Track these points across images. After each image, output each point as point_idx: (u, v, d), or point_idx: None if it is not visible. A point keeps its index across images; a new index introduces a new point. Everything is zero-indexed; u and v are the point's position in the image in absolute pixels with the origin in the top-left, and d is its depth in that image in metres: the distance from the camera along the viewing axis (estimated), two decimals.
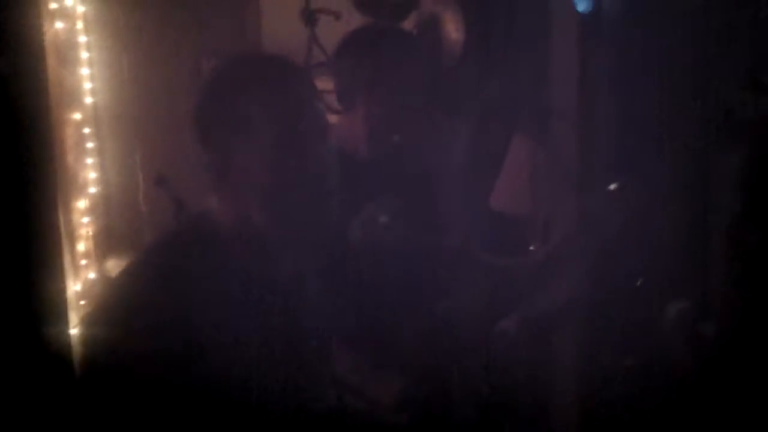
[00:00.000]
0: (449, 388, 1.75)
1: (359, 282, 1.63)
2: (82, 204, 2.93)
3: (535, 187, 2.18)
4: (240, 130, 1.38)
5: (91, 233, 2.94)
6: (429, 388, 1.64)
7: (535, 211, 2.20)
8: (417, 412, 1.61)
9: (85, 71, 2.91)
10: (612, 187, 2.08)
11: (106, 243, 2.98)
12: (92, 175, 2.95)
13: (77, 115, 2.91)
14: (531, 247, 2.15)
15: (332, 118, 1.80)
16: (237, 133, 1.38)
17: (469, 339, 1.79)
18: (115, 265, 2.95)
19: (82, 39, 2.90)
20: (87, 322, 1.34)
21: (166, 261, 1.37)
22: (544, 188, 2.18)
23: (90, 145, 2.95)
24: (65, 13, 2.80)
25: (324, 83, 1.95)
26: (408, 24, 2.61)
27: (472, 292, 1.91)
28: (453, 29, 2.47)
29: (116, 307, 1.37)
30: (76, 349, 2.62)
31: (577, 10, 2.12)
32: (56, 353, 1.04)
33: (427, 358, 1.75)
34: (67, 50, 2.84)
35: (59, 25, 2.77)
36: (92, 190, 2.95)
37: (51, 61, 2.67)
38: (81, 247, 2.92)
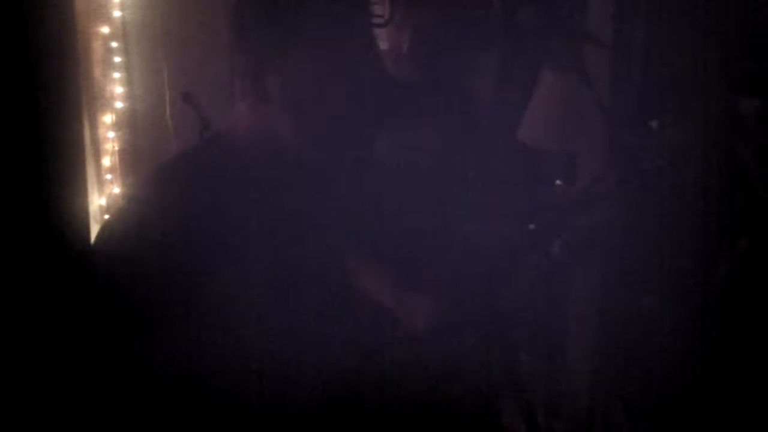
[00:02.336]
0: (479, 312, 1.73)
1: (384, 203, 1.61)
2: (108, 118, 2.93)
3: (565, 120, 2.15)
4: (282, 33, 1.33)
5: (116, 148, 2.95)
6: (460, 313, 1.62)
7: (563, 145, 2.18)
8: (450, 338, 1.60)
9: None
10: (653, 124, 2.05)
11: (131, 158, 2.99)
12: (119, 89, 2.95)
13: (105, 29, 2.89)
14: (557, 182, 2.13)
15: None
16: (277, 36, 1.34)
17: (498, 264, 1.77)
18: (138, 181, 2.96)
19: None
20: (102, 233, 1.33)
21: (184, 176, 1.35)
22: (574, 121, 2.15)
23: (117, 59, 2.94)
24: None
25: None
26: None
27: (498, 216, 1.89)
28: None
29: (132, 219, 1.36)
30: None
31: None
32: (78, 267, 1.04)
33: (457, 281, 1.73)
34: None
35: None
36: (119, 104, 2.95)
37: None
38: (106, 161, 2.94)
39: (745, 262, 1.85)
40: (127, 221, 1.36)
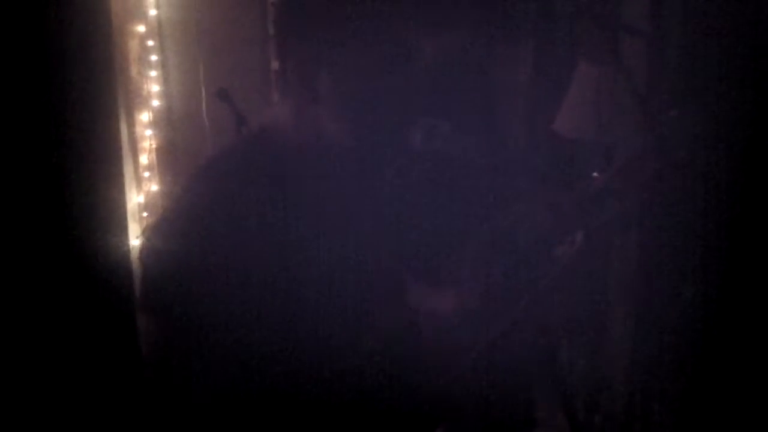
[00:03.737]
0: (507, 304, 1.72)
1: (418, 195, 1.60)
2: (145, 117, 2.95)
3: (601, 110, 2.13)
4: (331, 33, 1.33)
5: (153, 146, 2.97)
6: (487, 305, 1.61)
7: (599, 136, 2.15)
8: (474, 329, 1.59)
9: None
10: (673, 113, 2.02)
11: (168, 156, 3.01)
12: (155, 88, 2.97)
13: (141, 27, 2.91)
14: (594, 174, 2.11)
15: None
16: (327, 38, 1.34)
17: (531, 255, 1.75)
18: (177, 178, 2.98)
19: None
20: (148, 234, 1.34)
21: (231, 172, 1.36)
22: (610, 112, 2.13)
23: (153, 57, 2.96)
24: None
25: None
26: None
27: (534, 207, 1.88)
28: None
29: (177, 219, 1.37)
30: (136, 260, 2.67)
31: None
32: (116, 264, 1.05)
33: (487, 272, 1.72)
34: None
35: None
36: (155, 103, 2.97)
37: None
38: (144, 159, 2.96)
39: None
40: (177, 218, 1.37)
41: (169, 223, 1.39)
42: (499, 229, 1.69)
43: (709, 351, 1.92)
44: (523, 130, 2.10)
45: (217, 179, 1.36)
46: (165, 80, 3.00)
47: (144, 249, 1.26)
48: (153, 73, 2.97)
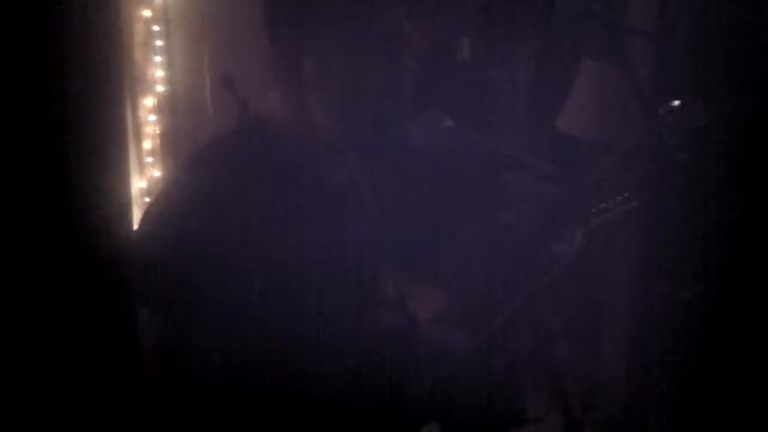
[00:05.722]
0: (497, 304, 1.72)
1: (418, 190, 1.60)
2: (149, 102, 2.95)
3: (605, 109, 2.13)
4: (315, 20, 1.33)
5: (157, 131, 2.98)
6: (475, 306, 1.61)
7: (603, 134, 2.16)
8: (458, 332, 1.58)
9: None
10: (675, 103, 2.02)
11: (172, 141, 3.01)
12: (160, 73, 2.97)
13: (147, 12, 2.91)
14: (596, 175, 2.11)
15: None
16: (311, 24, 1.33)
17: (525, 254, 1.75)
18: (176, 164, 2.99)
19: None
20: (144, 218, 1.34)
21: (224, 160, 1.36)
22: (615, 111, 2.14)
23: (159, 43, 2.96)
24: None
25: None
26: None
27: (532, 204, 1.88)
28: None
29: (173, 203, 1.37)
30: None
31: None
32: (119, 248, 1.06)
33: (479, 272, 1.72)
34: None
35: None
36: (160, 88, 2.97)
37: None
38: (147, 144, 2.96)
39: None
40: (170, 205, 1.37)
41: (163, 209, 1.38)
42: (498, 226, 1.69)
43: (707, 351, 1.92)
44: (525, 127, 2.10)
45: (212, 167, 1.36)
46: (170, 66, 3.00)
47: (138, 235, 1.25)
48: (158, 59, 2.97)
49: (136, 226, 1.30)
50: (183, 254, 1.27)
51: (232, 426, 1.30)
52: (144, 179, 2.94)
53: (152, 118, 2.96)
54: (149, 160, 2.96)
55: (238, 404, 1.29)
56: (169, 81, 3.01)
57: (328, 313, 1.32)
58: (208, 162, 1.36)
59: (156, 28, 2.95)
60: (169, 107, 3.00)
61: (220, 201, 1.29)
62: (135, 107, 2.91)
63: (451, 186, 1.73)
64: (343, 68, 1.35)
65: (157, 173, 2.97)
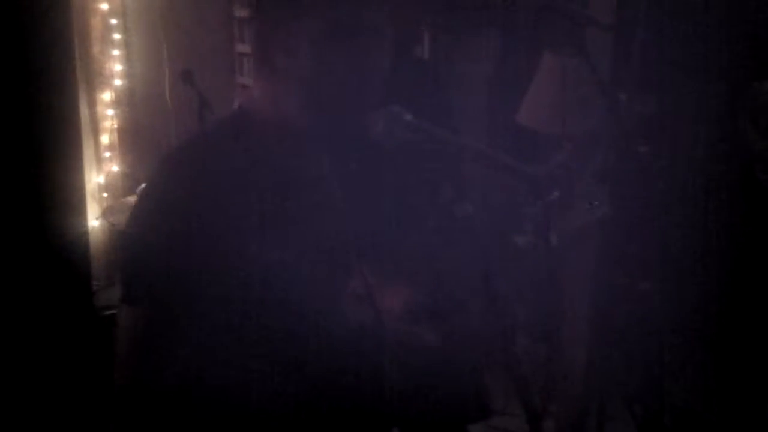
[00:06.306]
0: (465, 296, 1.73)
1: (383, 183, 1.60)
2: (107, 96, 2.92)
3: (565, 102, 2.14)
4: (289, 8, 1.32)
5: (115, 126, 2.94)
6: (441, 298, 1.61)
7: (563, 127, 2.17)
8: (432, 325, 1.59)
9: None
10: (622, 96, 2.04)
11: (130, 136, 2.98)
12: (118, 67, 2.93)
13: (104, 6, 2.88)
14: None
15: None
16: (286, 12, 1.32)
17: (487, 244, 1.76)
18: (138, 159, 2.96)
19: None
20: (126, 228, 1.32)
21: (200, 160, 1.34)
22: (575, 104, 2.14)
23: (116, 36, 2.93)
24: None
25: None
26: None
27: (493, 196, 1.88)
28: None
29: (153, 212, 1.35)
30: (97, 240, 2.64)
31: None
32: (74, 244, 1.04)
33: (442, 264, 1.72)
34: None
35: None
36: (118, 82, 2.94)
37: None
38: (105, 139, 2.93)
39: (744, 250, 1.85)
40: (146, 211, 1.35)
41: (144, 217, 1.36)
42: (456, 218, 1.69)
43: (664, 345, 1.95)
44: (486, 119, 2.11)
45: (190, 167, 1.34)
46: (128, 60, 2.97)
47: (123, 239, 1.24)
48: (116, 52, 2.94)
49: (96, 222, 1.28)
50: (170, 257, 1.26)
51: (204, 424, 1.30)
52: (102, 174, 2.90)
53: (110, 112, 2.93)
54: (107, 155, 2.93)
55: (211, 401, 1.28)
56: (128, 75, 2.98)
57: (297, 309, 1.31)
58: (187, 160, 1.35)
59: (114, 21, 2.91)
60: (127, 101, 2.97)
61: (199, 202, 1.27)
62: (92, 102, 2.87)
63: (411, 179, 1.73)
64: (311, 58, 1.34)
65: (115, 168, 2.94)
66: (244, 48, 3.14)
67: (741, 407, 1.84)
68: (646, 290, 2.03)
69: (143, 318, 1.28)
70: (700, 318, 1.87)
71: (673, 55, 1.95)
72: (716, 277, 1.87)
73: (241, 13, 3.06)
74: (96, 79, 2.88)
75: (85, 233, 1.10)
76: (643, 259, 2.04)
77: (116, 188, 2.93)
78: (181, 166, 1.35)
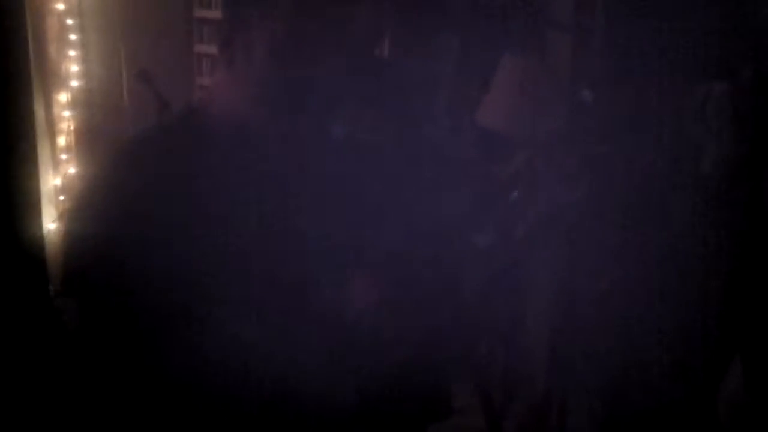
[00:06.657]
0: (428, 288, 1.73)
1: (342, 184, 1.59)
2: (63, 97, 2.88)
3: (524, 103, 2.15)
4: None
5: (72, 127, 2.91)
6: (404, 292, 1.61)
7: (521, 128, 2.18)
8: (397, 319, 1.58)
9: None
10: (586, 94, 2.06)
11: (87, 137, 2.95)
12: (74, 68, 2.90)
13: (60, 6, 2.84)
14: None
15: None
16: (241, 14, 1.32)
17: (450, 243, 1.77)
18: (96, 162, 2.93)
19: None
20: (68, 218, 1.31)
21: (151, 156, 1.33)
22: (534, 105, 2.16)
23: (73, 36, 2.89)
24: None
25: None
26: None
27: (456, 191, 1.89)
28: None
29: (97, 202, 1.33)
30: (54, 244, 2.61)
31: None
32: (30, 247, 1.03)
33: (401, 259, 1.72)
34: None
35: None
36: (74, 83, 2.90)
37: None
38: (62, 141, 2.89)
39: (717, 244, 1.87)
40: (98, 201, 1.33)
41: (87, 206, 1.35)
42: (419, 219, 1.70)
43: (627, 344, 1.96)
44: (446, 120, 2.11)
45: (140, 159, 1.33)
46: (85, 60, 2.94)
47: (64, 232, 1.22)
48: (72, 53, 2.90)
49: (53, 225, 1.26)
50: (112, 250, 1.24)
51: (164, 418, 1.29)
52: (59, 176, 2.87)
53: (66, 113, 2.89)
54: (63, 156, 2.89)
55: (172, 397, 1.27)
56: (85, 76, 2.94)
57: (267, 307, 1.31)
58: (137, 155, 1.33)
59: (70, 21, 2.88)
60: (84, 102, 2.93)
61: (148, 198, 1.26)
62: (48, 103, 2.83)
63: (372, 178, 1.73)
64: (268, 56, 1.33)
65: (72, 170, 2.90)
66: (203, 49, 3.12)
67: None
68: (605, 290, 2.05)
69: (83, 308, 1.26)
70: (656, 317, 1.89)
71: (629, 55, 1.97)
72: (676, 277, 1.89)
73: (200, 13, 3.05)
74: (52, 80, 2.84)
75: (41, 237, 1.08)
76: (603, 259, 2.06)
77: (73, 191, 2.90)
78: (135, 158, 1.34)
